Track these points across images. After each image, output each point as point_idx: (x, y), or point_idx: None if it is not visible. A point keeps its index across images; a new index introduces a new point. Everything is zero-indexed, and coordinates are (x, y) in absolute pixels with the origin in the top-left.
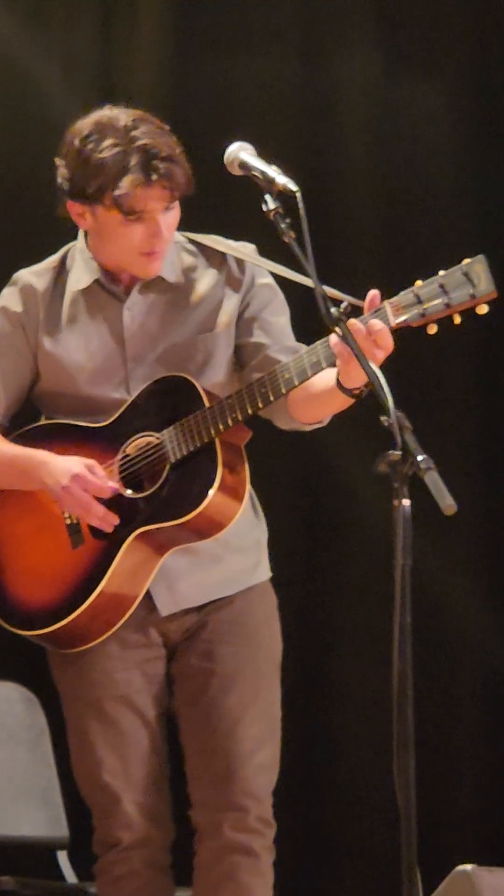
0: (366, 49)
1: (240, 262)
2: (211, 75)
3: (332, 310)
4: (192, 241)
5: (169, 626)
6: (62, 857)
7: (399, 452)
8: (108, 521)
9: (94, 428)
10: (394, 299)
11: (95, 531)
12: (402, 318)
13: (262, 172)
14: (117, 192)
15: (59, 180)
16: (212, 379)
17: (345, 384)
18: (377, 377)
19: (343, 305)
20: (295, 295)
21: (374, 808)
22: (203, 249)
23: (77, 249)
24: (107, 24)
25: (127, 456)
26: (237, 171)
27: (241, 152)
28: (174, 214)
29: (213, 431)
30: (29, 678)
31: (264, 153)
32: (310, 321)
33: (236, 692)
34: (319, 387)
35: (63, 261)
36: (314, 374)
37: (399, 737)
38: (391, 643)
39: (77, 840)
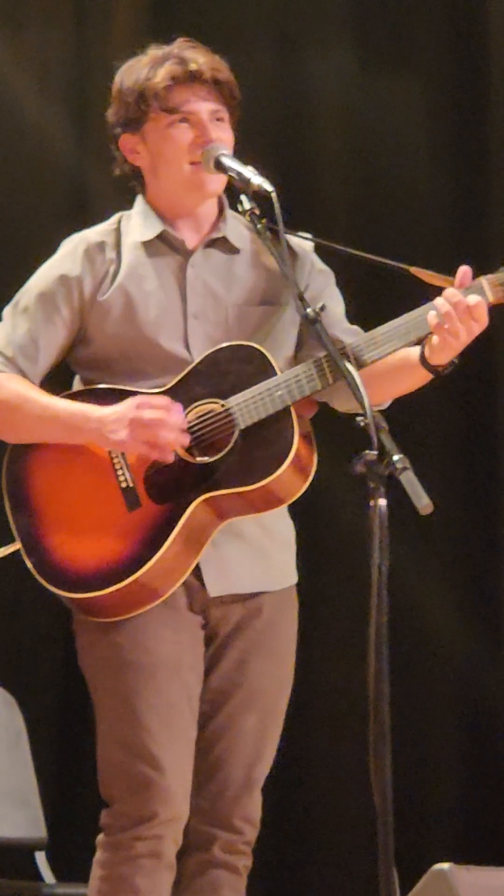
0: (340, 43)
1: (300, 245)
2: None
3: (308, 310)
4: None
5: (213, 612)
6: (40, 858)
7: (375, 452)
8: (180, 441)
9: (150, 394)
10: (490, 276)
11: (154, 495)
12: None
13: (238, 173)
14: (156, 87)
15: (109, 128)
16: (274, 353)
17: (431, 360)
18: (353, 377)
19: (318, 305)
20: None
21: (351, 807)
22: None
23: (134, 213)
24: (81, 24)
25: (187, 423)
26: (212, 172)
27: (215, 152)
28: (225, 129)
29: (288, 399)
30: (5, 678)
31: (239, 149)
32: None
33: (257, 712)
34: (393, 364)
35: (119, 222)
36: (403, 345)
37: (375, 736)
38: (368, 643)
39: (55, 841)
